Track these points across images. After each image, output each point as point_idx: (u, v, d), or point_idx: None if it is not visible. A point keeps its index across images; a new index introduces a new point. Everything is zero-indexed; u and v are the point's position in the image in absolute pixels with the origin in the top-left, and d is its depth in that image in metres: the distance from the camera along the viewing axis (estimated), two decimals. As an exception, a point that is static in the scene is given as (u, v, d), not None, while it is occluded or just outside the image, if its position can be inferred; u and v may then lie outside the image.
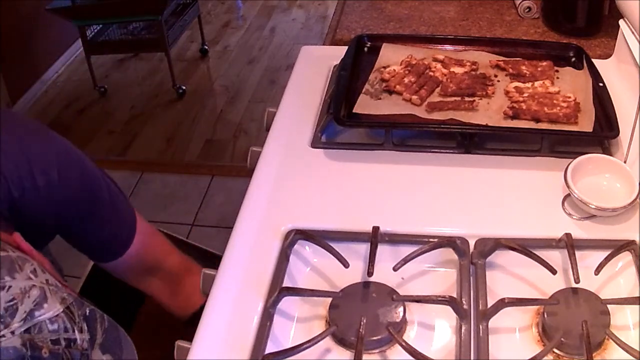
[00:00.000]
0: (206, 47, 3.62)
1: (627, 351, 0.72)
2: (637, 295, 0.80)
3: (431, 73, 1.13)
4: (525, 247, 0.82)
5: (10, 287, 0.61)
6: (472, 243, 0.86)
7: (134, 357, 0.75)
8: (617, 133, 0.98)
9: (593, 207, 0.87)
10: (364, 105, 1.07)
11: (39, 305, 0.62)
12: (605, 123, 1.01)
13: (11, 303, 0.60)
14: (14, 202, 0.78)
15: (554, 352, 0.75)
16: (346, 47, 1.20)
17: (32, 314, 0.61)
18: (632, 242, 0.85)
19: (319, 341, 0.75)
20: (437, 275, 0.87)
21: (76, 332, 0.65)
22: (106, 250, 0.94)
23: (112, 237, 0.93)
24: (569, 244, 0.83)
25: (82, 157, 0.87)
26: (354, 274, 0.85)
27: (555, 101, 1.04)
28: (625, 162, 0.94)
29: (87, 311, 0.68)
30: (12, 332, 0.59)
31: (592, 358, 0.71)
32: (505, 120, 1.03)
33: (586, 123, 1.01)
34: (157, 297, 1.03)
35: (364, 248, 0.87)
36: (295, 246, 0.88)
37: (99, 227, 0.91)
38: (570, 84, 1.10)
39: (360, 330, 0.76)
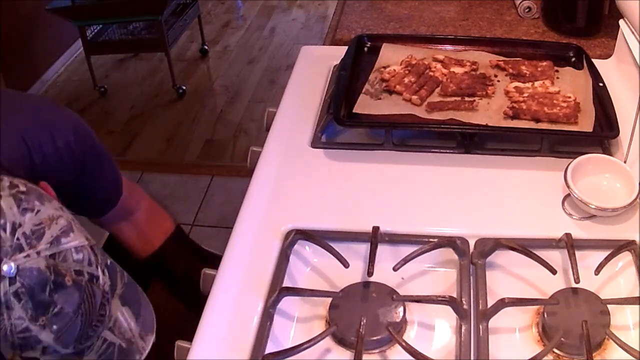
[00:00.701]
0: (206, 47, 3.61)
1: (627, 351, 0.72)
2: (637, 295, 0.80)
3: (431, 73, 1.13)
4: (525, 247, 0.82)
5: (39, 211, 0.63)
6: (472, 243, 0.86)
7: (152, 317, 0.76)
8: (617, 133, 0.98)
9: (593, 207, 0.87)
10: (364, 105, 1.07)
11: (65, 234, 0.64)
12: (605, 123, 1.01)
13: (39, 227, 0.62)
14: (34, 168, 0.82)
15: (554, 352, 0.75)
16: (346, 47, 1.20)
17: (59, 240, 0.63)
18: (632, 242, 0.85)
19: (319, 341, 0.75)
20: (437, 275, 0.87)
21: (99, 269, 0.66)
22: (106, 204, 1.00)
23: (112, 190, 0.99)
24: (569, 244, 0.83)
25: (84, 123, 0.93)
26: (354, 274, 0.85)
27: (555, 101, 1.04)
28: (625, 162, 0.94)
29: (109, 262, 0.70)
30: (38, 253, 0.60)
31: (592, 358, 0.71)
32: (505, 120, 1.03)
33: (586, 123, 1.01)
34: (125, 239, 1.07)
35: (364, 248, 0.87)
36: (295, 246, 0.88)
37: (102, 183, 0.97)
38: (570, 84, 1.10)
39: (360, 330, 0.76)
